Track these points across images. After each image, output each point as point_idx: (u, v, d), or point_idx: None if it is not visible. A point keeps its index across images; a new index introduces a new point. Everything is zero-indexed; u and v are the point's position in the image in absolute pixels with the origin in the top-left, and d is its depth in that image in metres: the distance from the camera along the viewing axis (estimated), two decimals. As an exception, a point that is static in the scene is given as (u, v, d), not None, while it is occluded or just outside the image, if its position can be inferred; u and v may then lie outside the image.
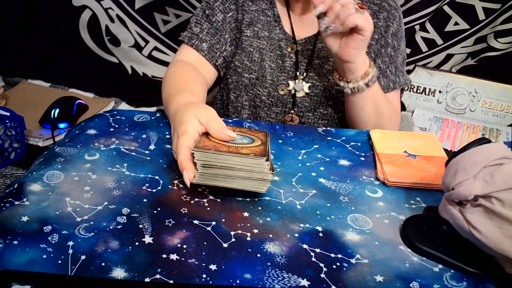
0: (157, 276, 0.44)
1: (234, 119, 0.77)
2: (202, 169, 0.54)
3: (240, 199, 0.56)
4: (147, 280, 0.43)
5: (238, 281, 0.44)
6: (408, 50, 1.51)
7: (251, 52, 0.93)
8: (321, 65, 0.92)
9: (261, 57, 0.92)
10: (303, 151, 0.69)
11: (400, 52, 0.94)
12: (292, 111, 0.93)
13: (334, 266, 0.47)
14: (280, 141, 0.71)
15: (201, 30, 0.91)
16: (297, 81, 0.92)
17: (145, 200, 0.55)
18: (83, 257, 0.46)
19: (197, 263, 0.46)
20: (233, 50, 0.94)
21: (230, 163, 0.54)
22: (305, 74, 0.92)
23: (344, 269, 0.47)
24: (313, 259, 0.48)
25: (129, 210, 0.53)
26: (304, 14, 0.93)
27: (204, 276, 0.44)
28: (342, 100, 0.91)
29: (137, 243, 0.48)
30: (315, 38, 0.92)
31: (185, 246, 0.48)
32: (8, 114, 0.81)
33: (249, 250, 0.48)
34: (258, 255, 0.48)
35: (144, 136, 0.69)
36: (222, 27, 0.92)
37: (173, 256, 0.46)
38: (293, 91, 0.92)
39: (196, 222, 0.52)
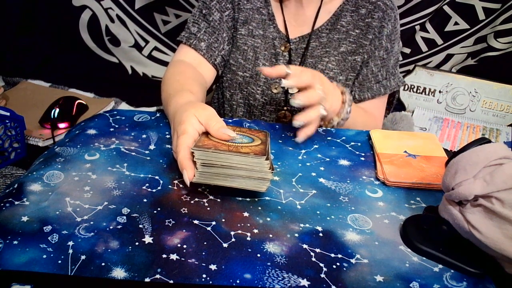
0: (157, 276, 0.44)
1: (234, 119, 0.77)
2: (202, 168, 0.54)
3: (240, 199, 0.56)
4: (147, 280, 0.43)
5: (238, 281, 0.44)
6: (408, 50, 1.52)
7: (246, 51, 0.93)
8: (314, 64, 0.92)
9: (255, 56, 0.92)
10: (303, 151, 0.69)
11: (393, 54, 0.93)
12: (285, 108, 0.93)
13: (334, 266, 0.47)
14: (280, 141, 0.71)
15: (198, 29, 0.91)
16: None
17: (145, 200, 0.55)
18: (83, 257, 0.46)
19: (197, 263, 0.46)
20: (230, 49, 0.94)
21: (230, 162, 0.54)
22: None
23: (344, 269, 0.47)
24: (313, 259, 0.48)
25: (129, 210, 0.53)
26: (297, 12, 0.92)
27: (204, 276, 0.44)
28: None
29: (137, 243, 0.48)
30: (308, 37, 0.91)
31: (185, 246, 0.48)
32: (8, 114, 0.82)
33: (249, 250, 0.48)
34: (258, 255, 0.48)
35: (144, 136, 0.69)
36: (220, 26, 0.92)
37: (173, 256, 0.46)
38: (286, 88, 0.91)
39: (196, 222, 0.52)
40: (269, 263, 0.47)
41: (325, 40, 0.92)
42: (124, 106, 1.24)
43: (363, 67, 0.92)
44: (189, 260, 0.46)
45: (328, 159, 0.67)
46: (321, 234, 0.52)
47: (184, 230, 0.50)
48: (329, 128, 0.76)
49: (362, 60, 0.92)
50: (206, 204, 0.55)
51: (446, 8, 1.43)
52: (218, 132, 0.58)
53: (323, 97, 0.68)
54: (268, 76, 0.71)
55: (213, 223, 0.52)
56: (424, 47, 1.51)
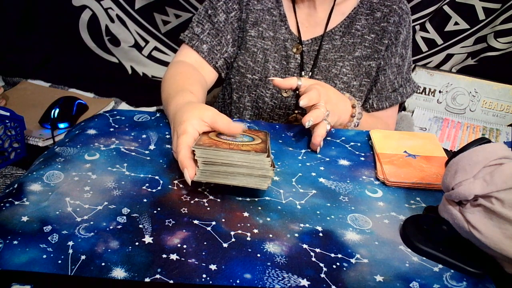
0: (157, 276, 0.44)
1: (235, 119, 0.77)
2: (203, 166, 0.54)
3: (240, 199, 0.56)
4: (147, 280, 0.43)
5: (238, 281, 0.44)
6: (408, 50, 1.52)
7: (255, 53, 0.91)
8: (327, 68, 0.90)
9: (265, 58, 0.90)
10: (303, 151, 0.69)
11: (407, 60, 0.93)
12: (296, 111, 0.92)
13: (334, 266, 0.47)
14: (280, 141, 0.71)
15: (202, 30, 0.90)
16: (302, 79, 0.90)
17: (145, 200, 0.55)
18: (83, 257, 0.46)
19: (197, 263, 0.46)
20: (235, 51, 0.93)
21: (231, 160, 0.54)
22: (310, 74, 0.90)
23: (344, 269, 0.47)
24: (313, 259, 0.48)
25: (129, 210, 0.53)
26: (310, 13, 0.91)
27: (204, 276, 0.44)
28: None
29: (137, 243, 0.48)
30: (321, 38, 0.90)
31: (185, 246, 0.48)
32: (8, 114, 0.82)
33: (249, 250, 0.48)
34: (258, 255, 0.48)
35: (144, 136, 0.69)
36: (224, 27, 0.90)
37: (173, 256, 0.46)
38: (297, 91, 0.91)
39: (196, 222, 0.52)
40: (269, 263, 0.47)
41: (339, 43, 0.90)
42: (124, 106, 1.24)
43: (380, 75, 0.91)
44: (189, 260, 0.46)
45: (328, 159, 0.67)
46: (321, 234, 0.52)
47: (184, 230, 0.50)
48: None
49: (377, 66, 0.90)
50: (206, 204, 0.55)
51: (446, 8, 1.43)
52: (229, 126, 0.58)
53: (327, 113, 0.69)
54: (279, 87, 0.72)
55: (213, 223, 0.52)
56: (424, 47, 1.51)
